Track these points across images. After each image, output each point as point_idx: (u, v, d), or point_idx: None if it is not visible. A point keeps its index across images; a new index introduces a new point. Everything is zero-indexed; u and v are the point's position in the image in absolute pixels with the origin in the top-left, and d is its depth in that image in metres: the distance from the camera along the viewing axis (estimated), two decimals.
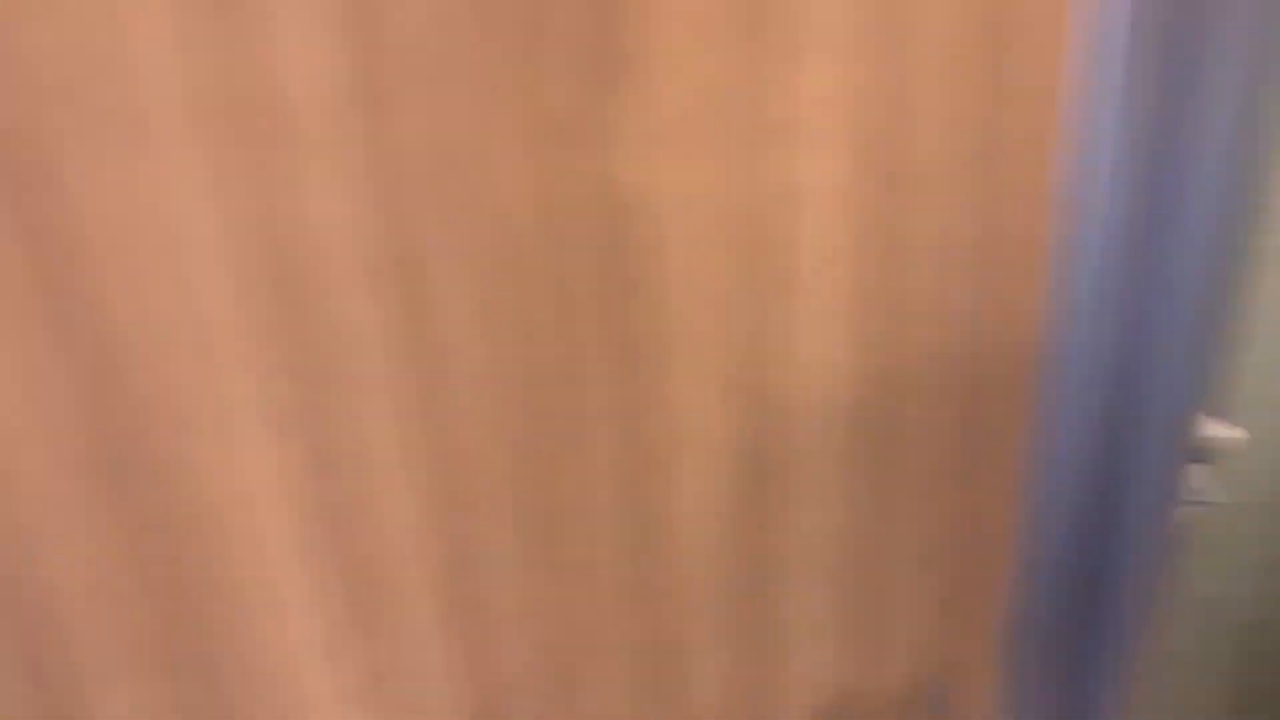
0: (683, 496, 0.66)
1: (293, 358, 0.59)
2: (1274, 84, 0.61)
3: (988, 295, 0.65)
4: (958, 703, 0.81)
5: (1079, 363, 0.69)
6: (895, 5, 0.56)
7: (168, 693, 0.67)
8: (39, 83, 0.50)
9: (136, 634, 0.65)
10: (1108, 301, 0.67)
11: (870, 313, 0.63)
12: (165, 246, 0.55)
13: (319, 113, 0.53)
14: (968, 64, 0.58)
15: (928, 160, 0.60)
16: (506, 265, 0.58)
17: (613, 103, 0.54)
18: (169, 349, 0.57)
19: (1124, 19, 0.60)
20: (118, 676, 0.66)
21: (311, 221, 0.55)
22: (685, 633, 0.72)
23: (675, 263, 0.59)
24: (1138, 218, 0.65)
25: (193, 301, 0.56)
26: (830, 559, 0.71)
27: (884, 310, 0.64)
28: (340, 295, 0.57)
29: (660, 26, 0.54)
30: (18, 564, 0.62)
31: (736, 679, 0.75)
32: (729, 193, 0.58)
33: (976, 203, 0.62)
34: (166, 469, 0.61)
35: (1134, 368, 0.68)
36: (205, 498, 0.62)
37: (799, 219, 0.60)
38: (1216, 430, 0.76)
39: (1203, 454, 0.76)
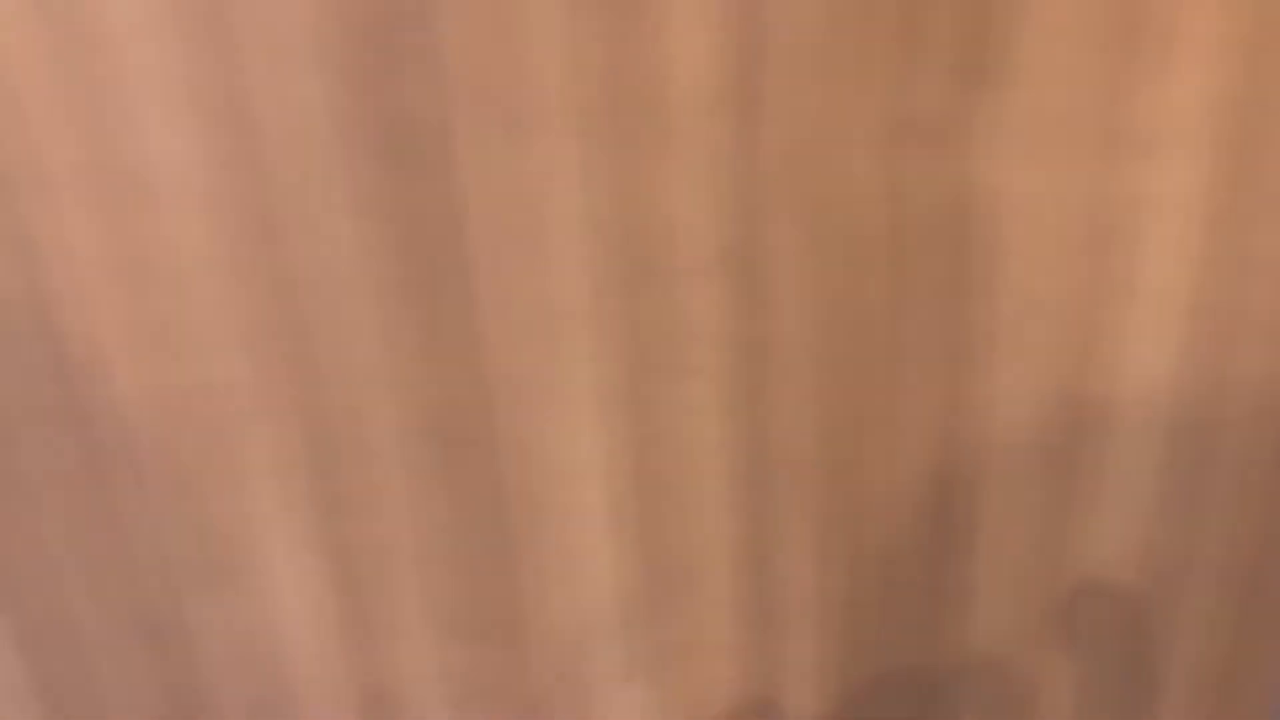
0: (990, 502, 0.66)
1: (630, 344, 0.62)
2: None
3: None
4: None
5: None
6: (1266, 16, 0.55)
7: (471, 655, 0.72)
8: (449, 77, 0.54)
9: (452, 596, 0.69)
10: None
11: (1204, 328, 0.62)
12: (531, 233, 0.58)
13: (692, 113, 0.55)
14: None
15: None
16: (847, 262, 0.59)
17: (977, 105, 0.55)
18: (520, 328, 0.61)
19: None
20: (431, 637, 0.71)
21: (667, 215, 0.58)
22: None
23: (1015, 267, 0.59)
24: None
25: (547, 286, 0.60)
26: (1129, 576, 0.70)
27: (1219, 326, 0.62)
28: (684, 286, 0.60)
29: (1029, 32, 0.54)
30: (360, 519, 0.67)
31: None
32: (1078, 199, 0.58)
33: None
34: (500, 441, 0.65)
35: None
36: (534, 470, 0.65)
37: (1145, 229, 0.59)
38: None
39: None
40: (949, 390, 0.63)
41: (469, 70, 0.54)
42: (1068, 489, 0.66)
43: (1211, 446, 0.66)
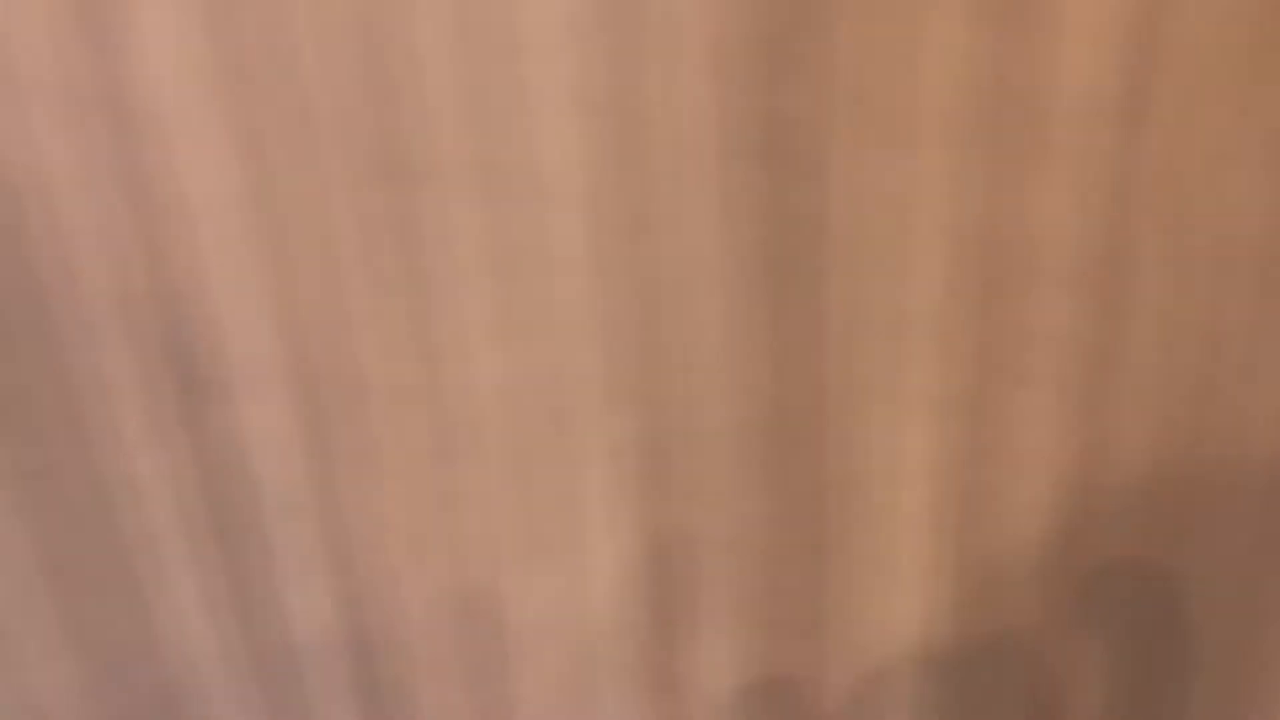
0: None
1: (973, 351, 0.62)
2: None
3: None
4: None
5: None
6: None
7: (770, 646, 0.73)
8: (836, 83, 0.56)
9: (758, 587, 0.71)
10: None
11: None
12: (892, 240, 0.60)
13: (1074, 124, 0.55)
14: None
15: None
16: (1212, 278, 0.59)
17: None
18: (865, 331, 0.62)
19: None
20: (731, 626, 0.73)
21: (1033, 226, 0.58)
22: None
23: None
24: None
25: (899, 291, 0.61)
26: None
27: None
28: (1038, 296, 0.60)
29: None
30: (681, 506, 0.69)
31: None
32: None
33: None
34: (829, 439, 0.66)
35: None
36: (858, 470, 0.67)
37: None
38: None
39: None
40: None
41: (856, 77, 0.56)
42: None
43: None
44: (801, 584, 0.71)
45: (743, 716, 0.76)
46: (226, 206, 0.62)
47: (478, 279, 0.63)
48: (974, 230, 0.59)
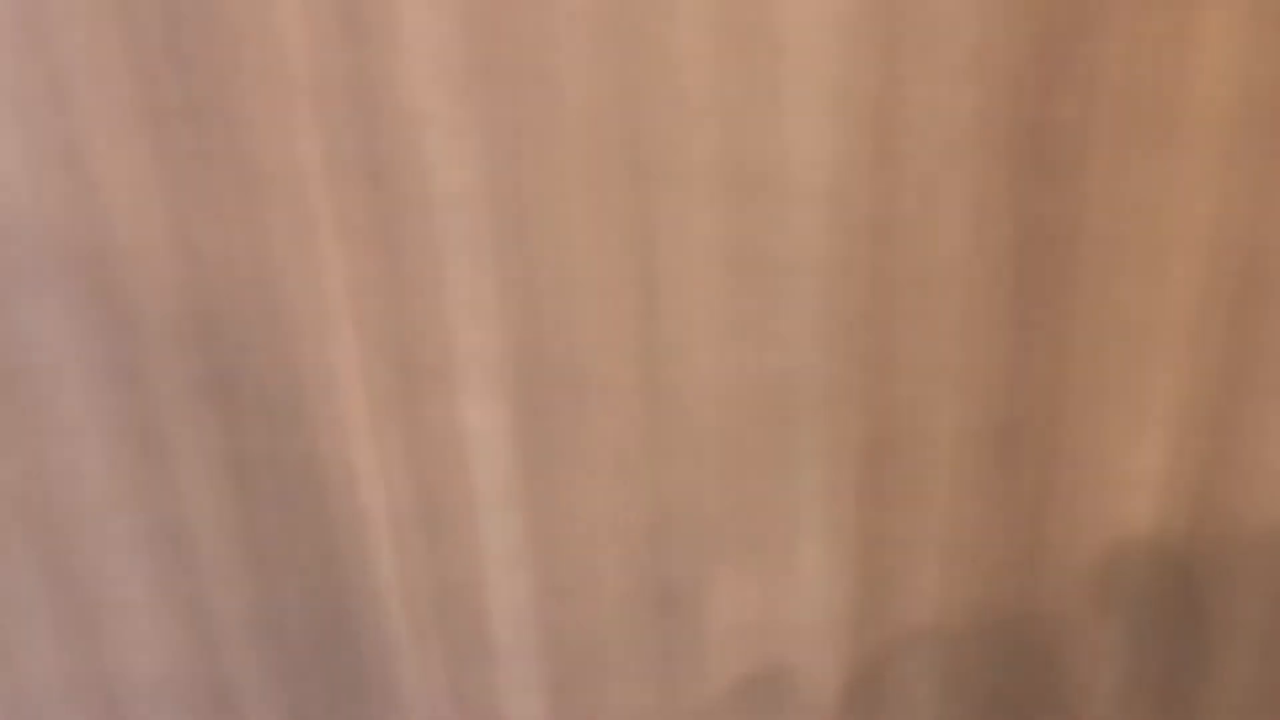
0: None
1: (1222, 360, 0.61)
2: None
3: None
4: None
5: None
6: None
7: (975, 656, 0.73)
8: (1102, 86, 0.55)
9: (969, 597, 0.71)
10: None
11: None
12: (1148, 246, 0.59)
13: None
14: None
15: None
16: None
17: None
18: (1110, 338, 0.61)
19: None
20: (937, 636, 0.72)
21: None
22: None
23: None
24: None
25: (1150, 298, 0.60)
26: None
27: None
28: None
29: None
30: (896, 511, 0.69)
31: None
32: None
33: None
34: (1058, 447, 0.65)
35: None
36: (1085, 480, 0.66)
37: None
38: None
39: None
40: None
41: (1124, 80, 0.55)
42: None
43: None
44: (1014, 596, 0.70)
45: None
46: (467, 201, 0.63)
47: (709, 278, 0.64)
48: (1235, 238, 0.58)
